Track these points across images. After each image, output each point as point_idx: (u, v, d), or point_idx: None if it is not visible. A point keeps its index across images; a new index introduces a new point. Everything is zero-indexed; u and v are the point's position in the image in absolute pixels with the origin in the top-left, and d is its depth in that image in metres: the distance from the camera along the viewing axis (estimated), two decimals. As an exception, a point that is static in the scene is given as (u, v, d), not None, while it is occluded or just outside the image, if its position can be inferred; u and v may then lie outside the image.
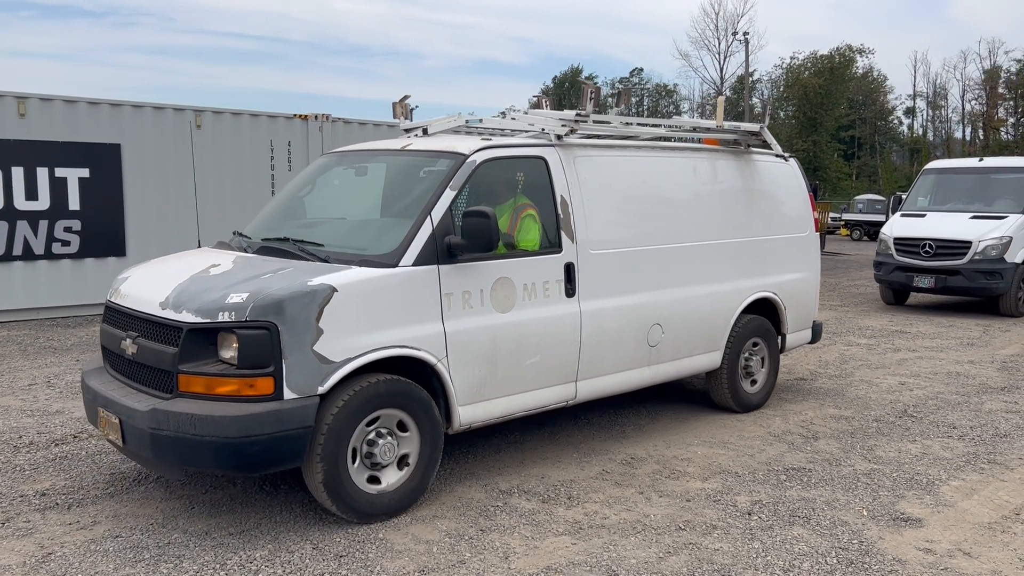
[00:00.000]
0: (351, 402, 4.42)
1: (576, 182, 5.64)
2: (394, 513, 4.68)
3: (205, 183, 12.96)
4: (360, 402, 4.46)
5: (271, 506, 4.87)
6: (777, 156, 7.33)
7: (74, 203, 11.86)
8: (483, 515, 4.77)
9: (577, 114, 5.71)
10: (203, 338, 4.31)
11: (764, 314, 7.09)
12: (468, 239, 4.82)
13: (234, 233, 5.73)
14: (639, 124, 6.46)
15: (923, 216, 13.70)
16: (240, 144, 13.34)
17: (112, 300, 5.09)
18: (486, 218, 4.75)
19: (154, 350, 4.47)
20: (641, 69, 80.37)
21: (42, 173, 11.60)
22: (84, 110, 11.94)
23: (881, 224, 18.84)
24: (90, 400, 4.93)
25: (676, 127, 7.14)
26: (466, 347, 4.91)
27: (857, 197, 42.37)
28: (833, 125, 56.62)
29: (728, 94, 64.32)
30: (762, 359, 7.11)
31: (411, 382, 4.69)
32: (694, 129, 7.21)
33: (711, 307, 6.50)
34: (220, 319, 4.25)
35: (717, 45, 64.61)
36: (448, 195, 4.95)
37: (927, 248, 12.96)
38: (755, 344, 7.02)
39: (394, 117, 6.60)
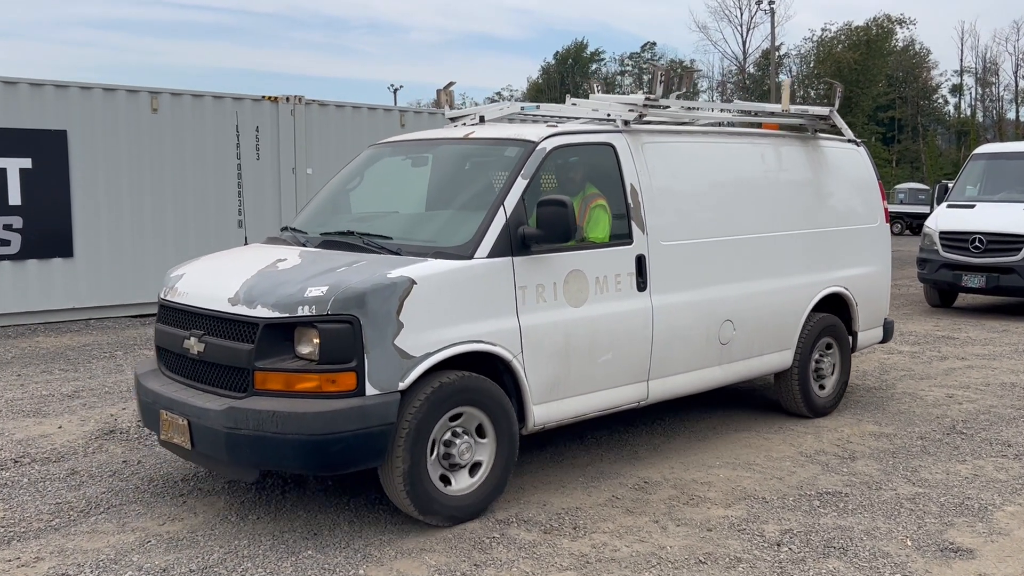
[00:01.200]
0: (431, 399, 4.76)
1: (645, 170, 5.95)
2: (473, 516, 5.05)
3: (163, 173, 12.96)
4: (439, 399, 4.80)
5: (238, 537, 4.85)
6: (848, 141, 7.73)
7: (14, 197, 11.84)
8: (477, 548, 4.75)
9: (646, 98, 6.05)
10: (279, 334, 4.63)
11: (835, 311, 7.40)
12: (544, 229, 5.12)
13: (284, 228, 6.18)
14: (702, 108, 6.86)
15: (972, 207, 13.71)
16: (202, 129, 13.34)
17: (168, 298, 5.39)
18: (563, 207, 5.05)
19: (225, 347, 4.79)
20: (654, 43, 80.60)
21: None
22: (25, 93, 11.93)
23: (925, 216, 18.88)
24: (149, 403, 5.23)
25: (741, 111, 7.51)
26: (540, 342, 5.23)
27: (898, 186, 42.49)
28: (870, 105, 56.79)
29: (752, 70, 64.46)
30: (833, 359, 7.43)
31: (487, 379, 5.03)
32: (756, 114, 7.48)
33: (783, 303, 6.84)
34: (299, 313, 4.57)
35: (739, 16, 65.08)
36: (520, 184, 5.27)
37: (977, 243, 12.97)
38: (827, 343, 7.35)
39: (437, 105, 7.09)
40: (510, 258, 5.13)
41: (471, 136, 6.00)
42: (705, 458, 6.29)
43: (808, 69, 62.98)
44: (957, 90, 74.56)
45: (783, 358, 6.94)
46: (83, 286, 12.39)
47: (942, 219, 13.73)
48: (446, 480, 4.97)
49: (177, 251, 12.87)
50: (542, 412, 5.32)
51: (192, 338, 5.00)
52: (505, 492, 5.53)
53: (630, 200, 5.82)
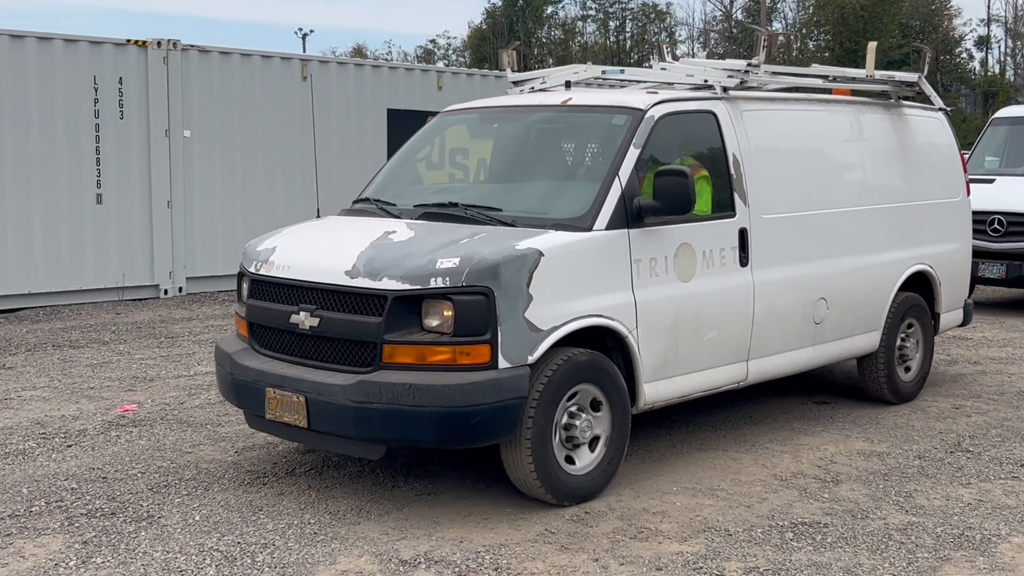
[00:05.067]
0: (557, 374, 5.46)
1: (745, 139, 6.65)
2: (589, 497, 5.78)
3: (1, 138, 12.70)
4: (564, 375, 5.50)
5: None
6: (939, 110, 8.65)
7: None
8: (374, 596, 4.76)
9: (748, 64, 6.74)
10: (408, 306, 5.31)
11: (917, 290, 8.21)
12: (662, 200, 5.82)
13: (361, 200, 6.86)
14: (788, 75, 7.63)
15: (991, 181, 13.84)
16: (51, 82, 13.10)
17: (264, 272, 6.00)
18: (684, 177, 5.75)
19: (348, 321, 5.47)
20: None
21: None
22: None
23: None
24: (249, 382, 5.87)
25: (822, 76, 8.06)
26: (654, 318, 5.94)
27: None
28: (881, 59, 57.59)
29: (740, 16, 65.12)
30: (917, 342, 8.27)
31: (605, 357, 5.72)
32: (835, 79, 8.16)
33: (873, 280, 7.66)
34: (432, 285, 5.25)
35: (725, -49, 65.35)
36: (633, 153, 5.97)
37: (996, 225, 13.14)
38: (910, 325, 8.17)
39: (501, 68, 7.90)
40: (626, 230, 5.84)
41: (569, 103, 6.67)
42: (660, 483, 6.36)
43: (806, 16, 63.82)
44: (984, 43, 75.84)
45: (870, 340, 7.76)
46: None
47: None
48: (568, 459, 5.70)
49: (19, 232, 12.69)
50: (652, 391, 6.03)
51: (303, 313, 5.62)
52: (415, 526, 5.60)
53: (733, 171, 6.54)
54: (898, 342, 8.04)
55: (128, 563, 5.09)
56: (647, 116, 6.17)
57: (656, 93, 6.50)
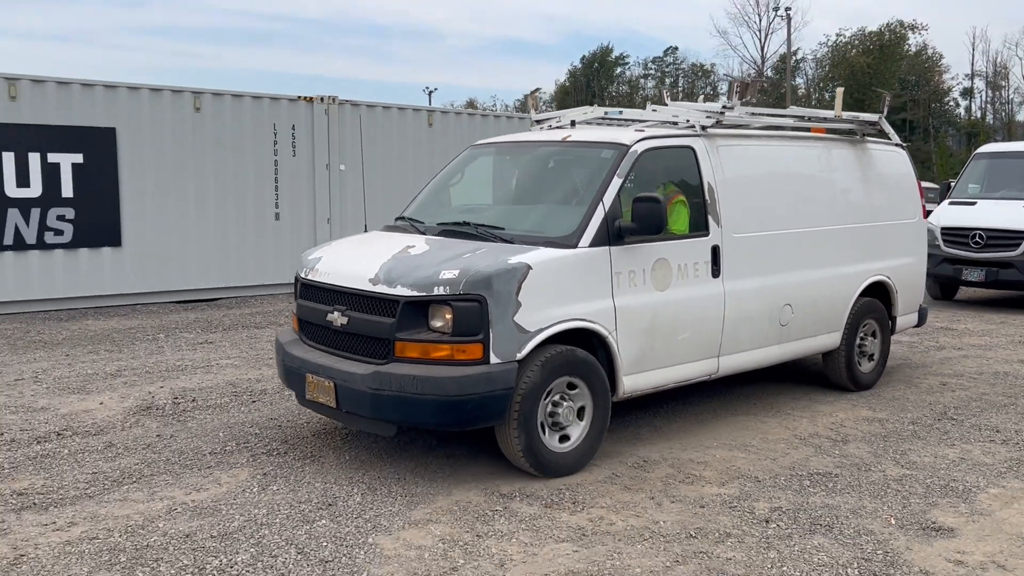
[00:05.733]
0: (543, 368, 5.20)
1: (720, 169, 6.36)
2: (571, 471, 5.46)
3: (205, 168, 13.06)
4: (549, 369, 5.24)
5: (257, 508, 4.90)
6: (896, 145, 8.18)
7: (67, 191, 11.98)
8: (480, 520, 4.77)
9: (723, 106, 6.48)
10: (416, 310, 5.13)
11: (877, 297, 7.80)
12: (639, 222, 5.55)
13: (399, 219, 6.60)
14: (765, 116, 7.25)
15: (973, 204, 13.48)
16: (241, 128, 13.41)
17: (311, 278, 5.87)
18: (657, 203, 5.50)
19: (369, 321, 5.29)
20: (676, 48, 79.94)
21: (34, 158, 11.73)
22: (78, 92, 12.06)
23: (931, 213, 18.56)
24: (294, 367, 5.72)
25: (798, 117, 7.73)
26: (631, 321, 5.66)
27: (908, 185, 41.76)
28: (883, 107, 55.92)
29: (769, 74, 63.79)
30: (875, 340, 7.87)
31: (587, 353, 5.45)
32: (810, 119, 7.84)
33: (834, 289, 7.27)
34: (435, 293, 5.07)
35: (758, 22, 64.15)
36: (616, 182, 5.72)
37: (977, 239, 12.76)
38: (870, 326, 7.78)
39: (525, 110, 7.68)
40: (607, 247, 5.56)
41: (568, 139, 6.43)
42: (703, 439, 6.25)
43: (823, 72, 62.24)
44: (968, 93, 73.02)
45: (833, 339, 7.38)
46: (130, 273, 12.53)
47: (944, 215, 13.51)
48: (550, 437, 5.40)
49: (218, 242, 13.00)
50: (630, 382, 5.74)
51: (335, 312, 5.49)
52: (510, 469, 5.54)
53: (707, 197, 6.23)
54: (858, 340, 7.66)
55: (296, 490, 5.18)
56: (631, 151, 5.89)
57: (643, 131, 6.23)
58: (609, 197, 5.65)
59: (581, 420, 5.52)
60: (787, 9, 51.76)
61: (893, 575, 4.18)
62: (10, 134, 11.54)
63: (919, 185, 8.35)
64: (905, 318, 8.20)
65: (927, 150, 67.15)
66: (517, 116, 18.55)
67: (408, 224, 6.36)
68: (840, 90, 7.94)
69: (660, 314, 5.84)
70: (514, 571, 4.17)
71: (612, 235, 5.59)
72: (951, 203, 13.82)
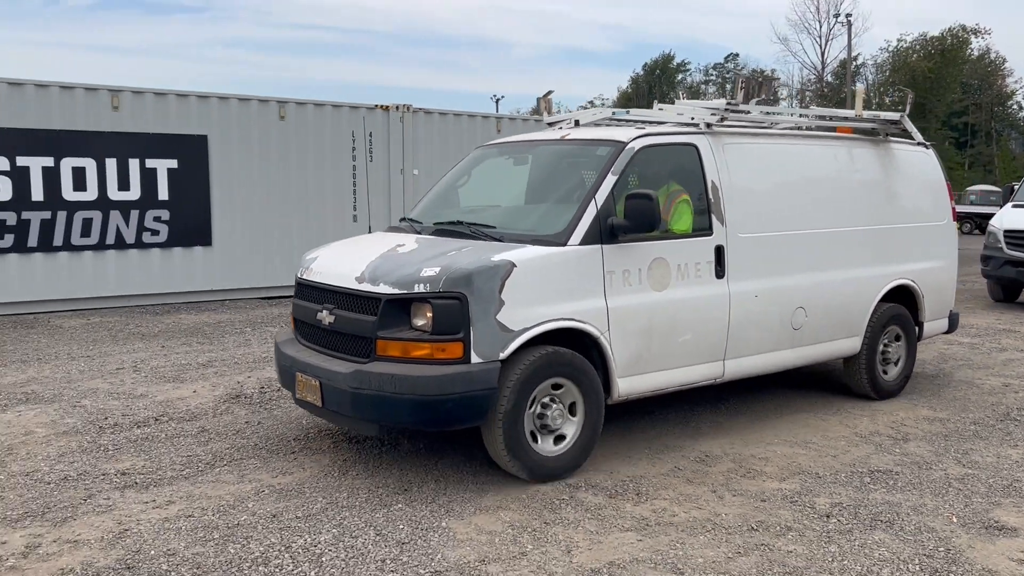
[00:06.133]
0: (529, 369, 4.87)
1: (726, 168, 5.94)
2: (561, 475, 5.13)
3: (289, 172, 13.37)
4: (536, 369, 4.91)
5: (339, 490, 5.01)
6: (918, 144, 7.49)
7: (163, 193, 12.39)
8: (548, 508, 4.78)
9: (727, 103, 6.02)
10: (398, 308, 4.84)
11: (902, 302, 7.24)
12: (631, 220, 5.17)
13: (401, 219, 6.33)
14: (778, 113, 6.85)
15: (1036, 207, 13.01)
16: (323, 134, 13.70)
17: (305, 277, 5.64)
18: (649, 200, 5.10)
19: (353, 319, 5.02)
20: (736, 55, 78.46)
21: (133, 164, 12.15)
22: (173, 102, 12.44)
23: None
24: (286, 366, 5.50)
25: (818, 116, 7.32)
26: (625, 322, 5.28)
27: (969, 188, 40.57)
28: (944, 111, 54.34)
29: (829, 79, 62.41)
30: (900, 346, 7.28)
31: (577, 353, 5.10)
32: (831, 118, 7.35)
33: (852, 292, 6.73)
34: (416, 290, 4.77)
35: (818, 28, 62.82)
36: (610, 180, 5.34)
37: (1039, 241, 12.30)
38: (894, 331, 7.19)
39: (538, 112, 7.07)
40: (600, 245, 5.20)
41: (567, 137, 6.09)
42: (764, 435, 6.17)
43: (883, 77, 60.60)
44: (1031, 96, 70.37)
45: (852, 344, 6.85)
46: (219, 271, 12.90)
47: (1007, 218, 13.07)
48: (540, 439, 5.10)
49: (300, 242, 13.27)
50: (626, 384, 5.37)
51: (324, 311, 5.24)
52: (576, 459, 5.54)
53: (711, 195, 5.83)
54: (881, 346, 7.08)
55: (374, 476, 5.26)
56: (627, 148, 5.50)
57: (643, 129, 5.83)
58: (602, 195, 5.28)
59: (572, 424, 5.18)
60: (848, 15, 50.63)
61: (955, 572, 4.07)
62: (112, 141, 11.96)
63: (948, 187, 7.75)
64: (933, 324, 7.57)
65: (989, 153, 64.91)
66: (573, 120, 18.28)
67: (408, 224, 6.08)
68: (860, 88, 7.62)
69: (658, 315, 5.45)
70: (580, 557, 4.18)
71: (604, 233, 5.22)
72: (1014, 206, 13.37)
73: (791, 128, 6.92)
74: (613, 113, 6.77)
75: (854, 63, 56.05)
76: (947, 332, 7.88)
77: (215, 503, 4.82)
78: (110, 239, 12.04)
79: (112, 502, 4.85)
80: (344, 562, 4.10)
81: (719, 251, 5.82)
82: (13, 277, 11.50)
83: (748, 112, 6.32)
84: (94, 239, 11.94)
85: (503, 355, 4.80)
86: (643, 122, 6.35)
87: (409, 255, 5.19)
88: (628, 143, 5.54)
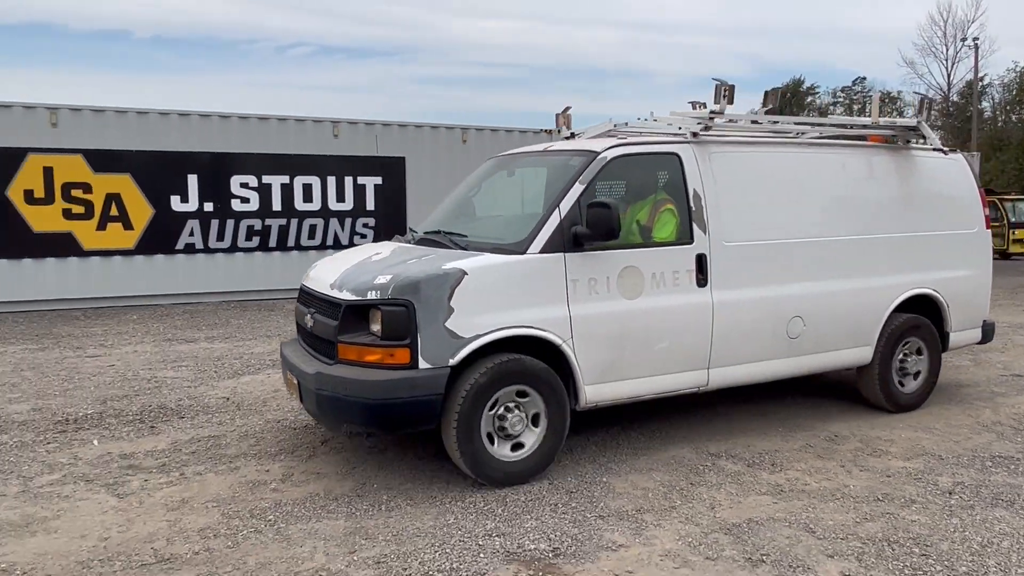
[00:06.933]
0: (485, 375, 4.39)
1: (711, 177, 5.24)
2: (520, 480, 4.59)
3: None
4: (494, 375, 4.41)
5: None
6: (935, 150, 6.40)
7: (371, 204, 13.24)
8: (693, 472, 4.85)
9: (710, 112, 5.28)
10: (358, 314, 4.43)
11: (925, 311, 6.25)
12: (591, 228, 4.59)
13: (409, 228, 5.96)
14: (774, 121, 5.90)
15: None
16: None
17: (303, 283, 5.31)
18: (607, 208, 4.55)
19: (324, 323, 4.65)
20: (864, 77, 73.83)
21: (348, 181, 13.05)
22: (380, 130, 13.25)
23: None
24: (283, 366, 5.26)
25: (832, 125, 6.44)
26: (591, 330, 4.69)
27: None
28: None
29: (955, 99, 57.73)
30: (921, 357, 6.23)
31: (538, 360, 4.56)
32: (851, 127, 6.43)
33: (860, 302, 5.80)
34: (368, 297, 4.37)
35: (944, 51, 58.03)
36: (576, 189, 4.76)
37: None
38: (912, 341, 6.17)
39: (556, 126, 6.46)
40: (562, 254, 4.62)
41: (549, 149, 5.54)
42: (890, 420, 5.94)
43: (1011, 96, 55.34)
44: None
45: (861, 354, 5.89)
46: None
47: None
48: (496, 443, 4.56)
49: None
50: (594, 391, 4.77)
51: (308, 315, 4.95)
52: (717, 433, 5.56)
53: (692, 204, 5.13)
54: (900, 356, 6.10)
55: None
56: (599, 157, 4.87)
57: (625, 139, 5.22)
58: (567, 204, 4.69)
59: (533, 434, 4.63)
60: (975, 39, 46.57)
61: (1075, 550, 3.84)
62: (332, 163, 12.91)
63: (982, 194, 6.58)
64: (961, 335, 6.44)
65: (1121, 167, 57.94)
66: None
67: (409, 234, 5.60)
68: (876, 95, 6.68)
69: (629, 323, 4.81)
70: (722, 513, 4.24)
71: (568, 242, 4.63)
72: None
73: (794, 137, 6.05)
74: (615, 125, 6.05)
75: (981, 84, 51.58)
76: (980, 342, 6.68)
77: (435, 448, 5.19)
78: (329, 241, 12.99)
79: (342, 445, 5.32)
80: (523, 505, 4.35)
81: (700, 260, 5.11)
82: (258, 270, 12.63)
83: (735, 121, 5.62)
84: (317, 241, 12.93)
85: (453, 361, 4.32)
86: (638, 132, 5.75)
87: (377, 263, 4.78)
88: (601, 153, 4.93)
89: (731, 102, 5.22)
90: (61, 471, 4.85)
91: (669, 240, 5.06)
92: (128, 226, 11.93)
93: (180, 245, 12.28)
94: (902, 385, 6.15)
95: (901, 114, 65.21)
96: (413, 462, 4.99)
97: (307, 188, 12.81)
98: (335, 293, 4.60)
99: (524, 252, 4.57)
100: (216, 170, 12.32)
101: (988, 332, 6.64)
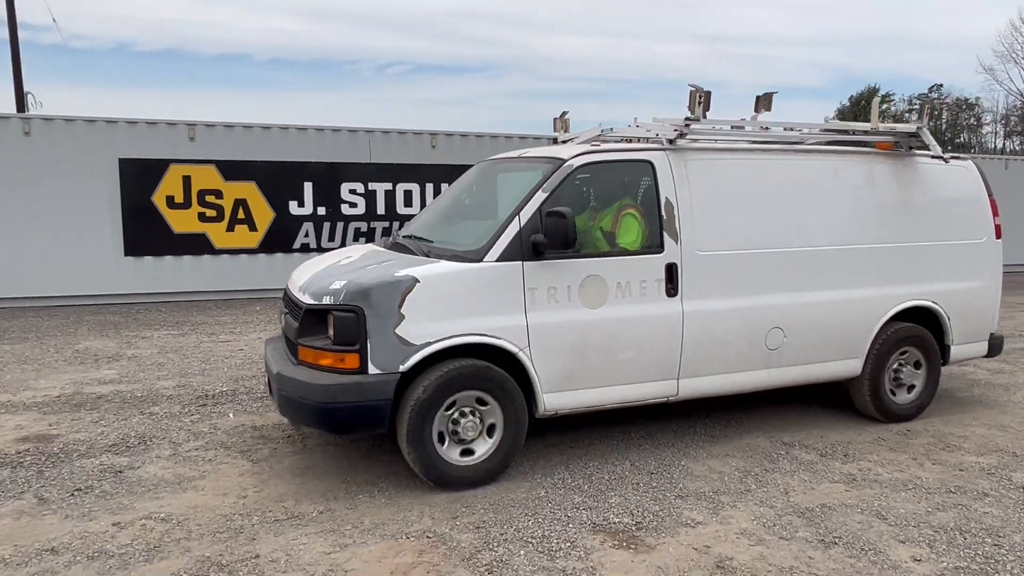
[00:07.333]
0: (438, 381, 4.14)
1: (685, 185, 4.80)
2: (476, 485, 4.30)
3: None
4: (447, 381, 4.16)
5: (610, 434, 5.34)
6: (934, 157, 5.69)
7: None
8: (767, 459, 4.81)
9: (686, 119, 4.83)
10: (317, 317, 4.24)
11: (925, 323, 5.66)
12: (548, 237, 4.27)
13: (393, 232, 5.49)
14: (751, 128, 5.31)
15: None
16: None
17: (286, 284, 5.09)
18: (563, 217, 4.23)
19: (291, 324, 4.50)
20: (941, 85, 69.99)
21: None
22: (473, 141, 13.52)
23: None
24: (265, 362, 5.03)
25: (828, 130, 5.76)
26: (549, 339, 4.37)
27: None
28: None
29: (1036, 104, 53.84)
30: (917, 371, 5.65)
31: (494, 367, 4.27)
32: (854, 132, 5.75)
33: (847, 314, 5.26)
34: (324, 302, 4.18)
35: (1026, 57, 54.32)
36: (539, 197, 4.40)
37: None
38: (909, 353, 5.59)
39: (554, 131, 6.05)
40: (520, 263, 4.29)
41: (523, 155, 5.20)
42: (963, 418, 5.72)
43: (1096, 101, 51.22)
44: None
45: (850, 366, 5.36)
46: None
47: None
48: (447, 445, 4.29)
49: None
50: (553, 400, 4.45)
51: (282, 315, 4.84)
52: (791, 424, 5.48)
53: (664, 212, 4.70)
54: (891, 368, 5.52)
55: (625, 424, 5.51)
56: (565, 165, 4.50)
57: (597, 146, 4.82)
58: (528, 212, 4.34)
59: (486, 444, 4.34)
60: (1059, 43, 43.32)
61: None
62: (430, 171, 13.25)
63: (993, 203, 5.85)
64: (964, 348, 5.77)
65: None
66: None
67: (390, 238, 5.27)
68: (876, 100, 5.83)
69: (591, 332, 4.45)
70: (796, 498, 4.21)
71: (526, 250, 4.28)
72: None
73: (783, 143, 5.42)
74: (601, 132, 5.51)
75: (1064, 88, 47.98)
76: (987, 356, 5.95)
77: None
78: (426, 242, 13.33)
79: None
80: (607, 483, 4.43)
81: (671, 269, 4.68)
82: (363, 268, 13.09)
83: (713, 127, 5.06)
84: (416, 242, 13.28)
85: (403, 368, 4.07)
86: (622, 138, 5.33)
87: (343, 267, 4.54)
88: (567, 160, 4.56)
89: (707, 109, 4.79)
90: (204, 439, 5.23)
91: (636, 248, 4.66)
92: (253, 228, 12.59)
93: (297, 244, 12.86)
94: (894, 395, 5.60)
95: (979, 121, 61.49)
96: (506, 441, 5.13)
97: (407, 194, 13.20)
98: (300, 296, 4.41)
99: (481, 260, 4.26)
100: (328, 178, 12.85)
101: (995, 346, 5.95)
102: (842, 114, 69.49)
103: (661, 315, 4.68)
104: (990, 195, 5.86)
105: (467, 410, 4.27)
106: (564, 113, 5.97)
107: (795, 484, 4.40)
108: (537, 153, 5.06)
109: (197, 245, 12.28)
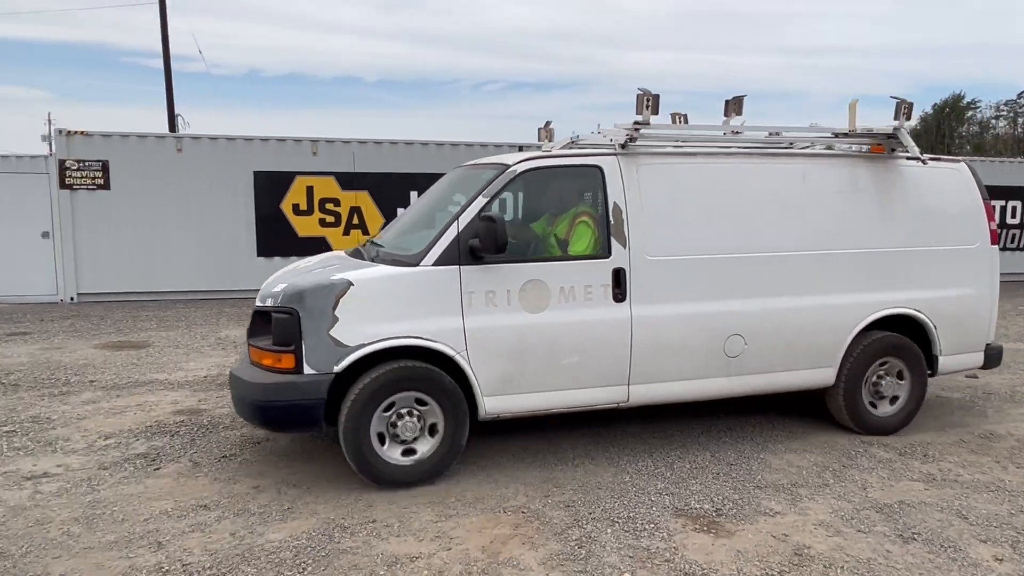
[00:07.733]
0: (376, 382, 3.99)
1: (636, 190, 4.46)
2: (416, 483, 4.12)
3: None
4: (384, 383, 4.01)
5: (693, 427, 5.29)
6: (910, 158, 5.05)
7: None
8: (845, 456, 4.67)
9: (635, 123, 4.45)
10: (263, 319, 4.21)
11: (910, 332, 5.08)
12: (483, 241, 4.03)
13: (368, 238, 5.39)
14: (738, 132, 4.84)
15: None
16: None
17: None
18: (493, 222, 3.99)
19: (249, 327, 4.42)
20: (1032, 90, 64.38)
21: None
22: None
23: None
24: None
25: (801, 137, 5.15)
26: (487, 342, 4.14)
27: None
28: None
29: None
30: (899, 382, 5.07)
31: (435, 369, 4.10)
32: (835, 135, 5.12)
33: (816, 321, 4.77)
34: (267, 304, 4.12)
35: None
36: (479, 202, 4.17)
37: None
38: (891, 363, 5.03)
39: (538, 140, 5.71)
40: (457, 267, 4.09)
41: (476, 163, 4.98)
42: (1050, 424, 5.35)
43: None
44: None
45: (822, 375, 4.86)
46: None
47: None
48: (387, 445, 4.12)
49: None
50: (494, 403, 4.21)
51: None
52: (869, 423, 5.26)
53: (611, 217, 4.39)
54: (870, 378, 4.98)
55: (707, 418, 5.45)
56: (508, 171, 4.25)
57: (547, 152, 4.52)
58: (467, 217, 4.12)
59: (427, 443, 4.15)
60: None
61: None
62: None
63: (988, 208, 5.20)
64: (954, 358, 5.12)
65: None
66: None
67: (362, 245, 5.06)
68: (854, 102, 5.11)
69: (531, 337, 4.19)
70: (874, 494, 4.07)
71: (464, 255, 4.08)
72: None
73: (751, 146, 4.95)
74: (572, 140, 5.10)
75: None
76: (984, 367, 5.26)
77: (617, 416, 5.38)
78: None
79: (534, 413, 5.58)
80: (688, 471, 4.42)
81: (618, 274, 4.35)
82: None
83: (661, 130, 4.59)
84: (508, 245, 13.44)
85: (337, 368, 3.93)
86: (590, 145, 4.84)
87: (293, 272, 4.47)
88: (511, 166, 4.31)
89: (655, 112, 4.42)
90: (327, 417, 5.53)
91: (583, 254, 4.36)
92: (365, 232, 13.13)
93: (402, 247, 13.36)
94: (874, 407, 5.04)
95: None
96: (597, 428, 5.19)
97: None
98: (257, 298, 4.33)
99: (417, 264, 4.09)
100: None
101: (992, 356, 5.27)
102: (925, 120, 65.20)
103: (608, 320, 4.36)
104: (985, 199, 5.23)
105: (405, 411, 4.10)
106: (548, 123, 5.72)
107: (873, 480, 4.25)
108: (488, 160, 4.83)
109: (318, 247, 12.92)
